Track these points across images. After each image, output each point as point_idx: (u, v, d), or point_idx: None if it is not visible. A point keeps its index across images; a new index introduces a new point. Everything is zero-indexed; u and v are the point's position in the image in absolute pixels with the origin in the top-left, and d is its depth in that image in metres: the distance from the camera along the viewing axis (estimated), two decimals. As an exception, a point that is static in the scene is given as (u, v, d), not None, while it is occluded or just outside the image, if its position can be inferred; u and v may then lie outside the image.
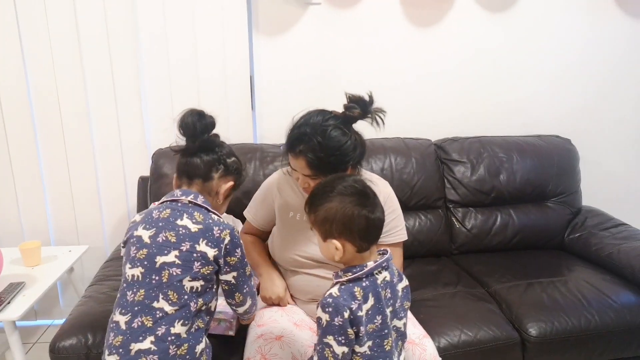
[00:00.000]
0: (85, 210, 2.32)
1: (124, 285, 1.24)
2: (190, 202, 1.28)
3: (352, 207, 1.10)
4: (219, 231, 1.25)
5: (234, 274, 1.30)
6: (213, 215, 1.28)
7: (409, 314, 1.52)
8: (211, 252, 1.23)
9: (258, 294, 1.63)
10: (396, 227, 1.52)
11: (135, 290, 1.20)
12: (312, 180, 1.41)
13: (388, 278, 1.16)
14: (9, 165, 2.23)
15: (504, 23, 2.41)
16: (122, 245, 1.32)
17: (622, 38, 2.50)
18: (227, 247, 1.26)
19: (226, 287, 1.33)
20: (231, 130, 2.29)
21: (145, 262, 1.21)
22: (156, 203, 1.34)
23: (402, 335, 1.22)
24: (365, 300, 1.10)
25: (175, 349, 1.18)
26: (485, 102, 2.48)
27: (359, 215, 1.10)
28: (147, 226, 1.25)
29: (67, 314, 1.59)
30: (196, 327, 1.23)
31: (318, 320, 1.10)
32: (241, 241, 1.31)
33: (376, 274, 1.13)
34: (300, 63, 2.33)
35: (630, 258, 1.86)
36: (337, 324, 1.07)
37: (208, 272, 1.23)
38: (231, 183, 1.37)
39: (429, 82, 2.43)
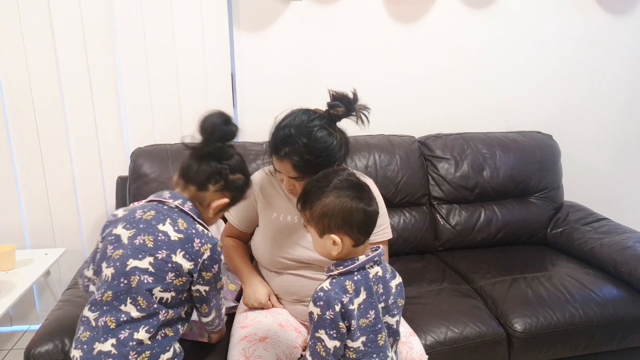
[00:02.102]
0: (61, 211, 2.25)
1: (98, 284, 1.18)
2: (177, 207, 1.21)
3: (350, 201, 1.10)
4: (199, 244, 1.18)
5: (206, 288, 1.24)
6: (198, 226, 1.21)
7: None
8: (187, 265, 1.17)
9: (239, 300, 1.61)
10: (381, 225, 1.50)
11: (104, 289, 1.14)
12: (298, 182, 1.38)
13: (380, 273, 1.15)
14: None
15: (486, 20, 2.42)
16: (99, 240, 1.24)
17: (603, 36, 2.53)
18: (205, 262, 1.20)
19: (196, 295, 1.25)
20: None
21: (118, 264, 1.15)
22: (143, 201, 1.27)
23: (394, 333, 1.21)
24: (357, 294, 1.09)
25: (136, 356, 1.12)
26: (468, 100, 2.49)
27: (357, 209, 1.09)
28: (128, 226, 1.18)
29: (44, 319, 1.53)
30: (163, 335, 1.17)
31: (310, 314, 1.09)
32: (221, 257, 1.24)
33: (368, 268, 1.12)
34: (282, 60, 2.30)
35: (612, 252, 1.88)
36: (328, 317, 1.06)
37: (181, 283, 1.17)
38: (226, 200, 1.27)
39: (413, 79, 2.42)
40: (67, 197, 2.24)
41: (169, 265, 1.15)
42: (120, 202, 2.05)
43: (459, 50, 2.42)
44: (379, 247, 1.18)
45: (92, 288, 1.22)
